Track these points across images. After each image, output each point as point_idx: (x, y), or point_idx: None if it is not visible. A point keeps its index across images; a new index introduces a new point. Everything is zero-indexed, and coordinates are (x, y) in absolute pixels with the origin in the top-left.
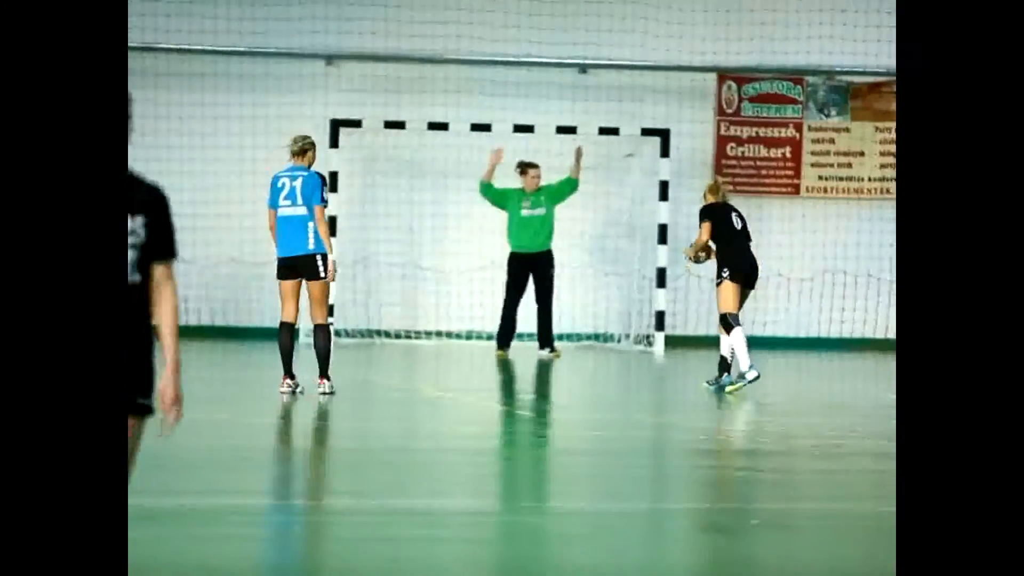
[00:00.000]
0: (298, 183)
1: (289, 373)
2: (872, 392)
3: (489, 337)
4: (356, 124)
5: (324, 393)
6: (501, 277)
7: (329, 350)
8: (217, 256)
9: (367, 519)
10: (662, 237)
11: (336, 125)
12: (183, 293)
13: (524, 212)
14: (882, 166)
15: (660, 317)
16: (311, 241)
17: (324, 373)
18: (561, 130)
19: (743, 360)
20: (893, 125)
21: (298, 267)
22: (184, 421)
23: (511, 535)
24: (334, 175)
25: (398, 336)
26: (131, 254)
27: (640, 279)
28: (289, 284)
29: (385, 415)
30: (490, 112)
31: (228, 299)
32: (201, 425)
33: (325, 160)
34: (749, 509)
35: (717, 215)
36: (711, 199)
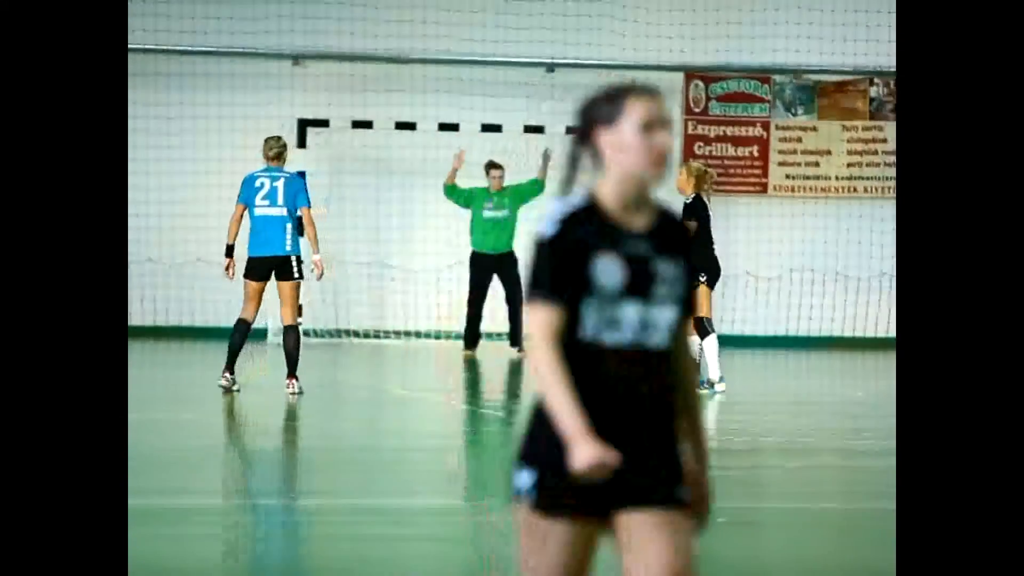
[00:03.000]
0: (280, 183)
1: (231, 368)
2: (839, 390)
3: (456, 337)
4: (324, 124)
5: (293, 393)
6: (467, 276)
7: (298, 351)
8: (183, 256)
9: (335, 518)
10: None
11: (303, 125)
12: (149, 293)
13: (486, 213)
14: (849, 165)
15: None
16: (288, 243)
17: (292, 373)
18: (529, 129)
19: (714, 369)
20: (860, 124)
21: (272, 267)
22: (149, 421)
23: (479, 533)
24: (301, 175)
25: (366, 335)
26: (672, 313)
27: None
28: (257, 285)
29: (352, 415)
30: (457, 111)
31: (194, 299)
32: (166, 425)
33: (292, 160)
34: (716, 507)
35: (703, 214)
36: (692, 189)
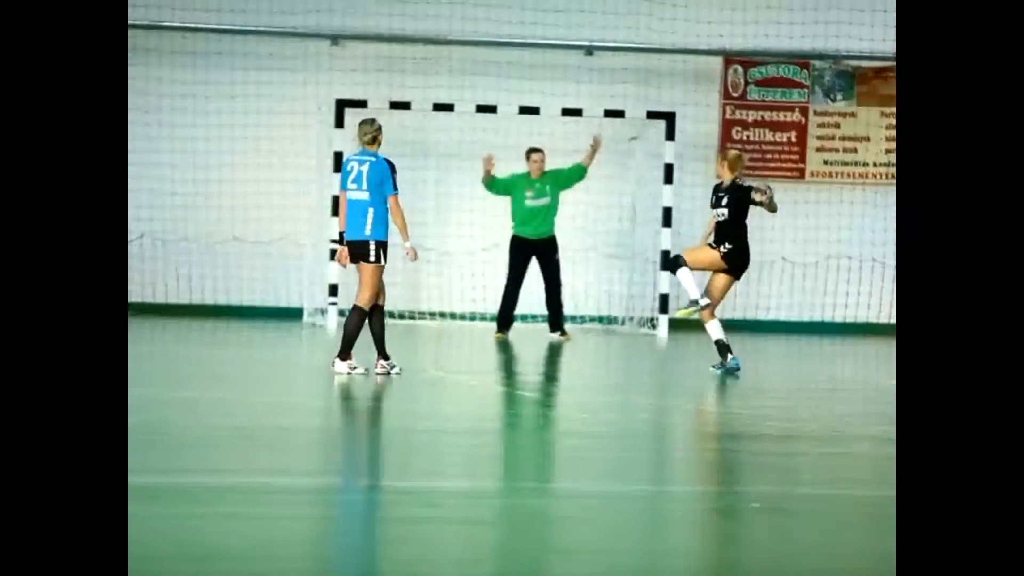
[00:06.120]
0: (365, 168)
1: (383, 354)
2: (873, 377)
3: (492, 318)
4: (362, 104)
5: (339, 372)
6: (503, 259)
7: (356, 332)
8: (220, 235)
9: (367, 498)
10: (666, 220)
11: (341, 105)
12: (184, 271)
13: (528, 202)
14: (887, 151)
15: (664, 300)
16: (368, 227)
17: (342, 353)
18: (567, 112)
19: (692, 291)
20: None
21: (354, 251)
22: (182, 399)
23: (508, 517)
24: (339, 155)
25: (401, 316)
26: None
27: (644, 262)
28: (356, 267)
29: (386, 395)
30: (495, 93)
31: (231, 277)
32: (199, 403)
33: (329, 140)
34: (748, 493)
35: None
36: (730, 175)
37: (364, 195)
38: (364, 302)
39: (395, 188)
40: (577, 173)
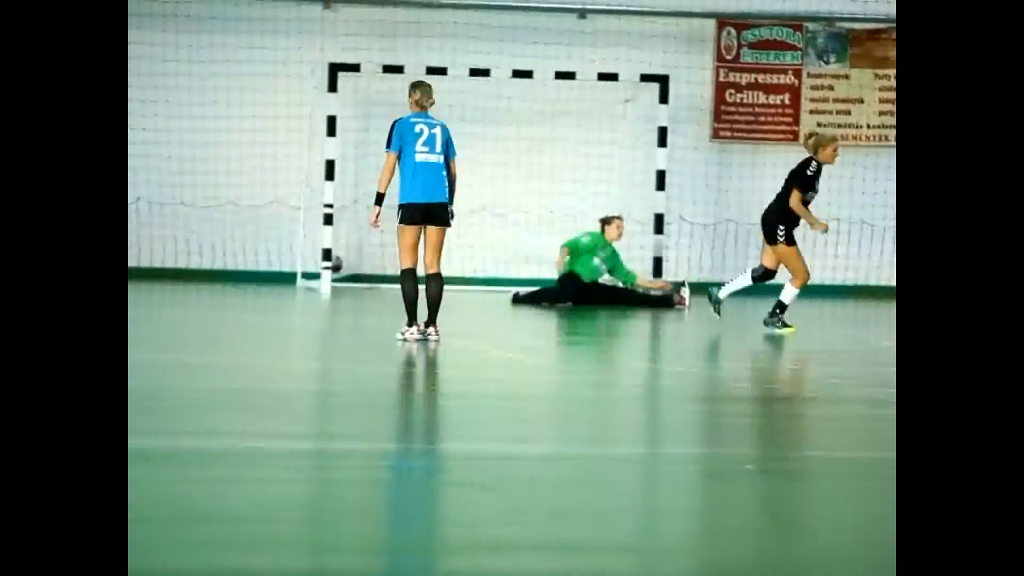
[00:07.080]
0: (437, 131)
1: (415, 319)
2: (868, 339)
3: (484, 281)
4: (354, 68)
5: (436, 341)
6: (498, 220)
7: (441, 298)
8: (214, 199)
9: (362, 462)
10: (660, 183)
11: (334, 69)
12: (182, 235)
13: (595, 260)
14: (881, 113)
15: (657, 263)
16: (446, 190)
17: (433, 321)
18: (560, 75)
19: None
20: (892, 72)
21: (431, 213)
22: (178, 363)
23: (508, 480)
24: (332, 119)
25: (395, 280)
26: None
27: (637, 226)
28: (415, 230)
29: (380, 358)
30: (488, 57)
31: (225, 241)
32: (195, 368)
33: (324, 104)
34: (744, 455)
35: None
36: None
37: (438, 158)
38: (439, 264)
39: (455, 152)
40: (626, 275)
